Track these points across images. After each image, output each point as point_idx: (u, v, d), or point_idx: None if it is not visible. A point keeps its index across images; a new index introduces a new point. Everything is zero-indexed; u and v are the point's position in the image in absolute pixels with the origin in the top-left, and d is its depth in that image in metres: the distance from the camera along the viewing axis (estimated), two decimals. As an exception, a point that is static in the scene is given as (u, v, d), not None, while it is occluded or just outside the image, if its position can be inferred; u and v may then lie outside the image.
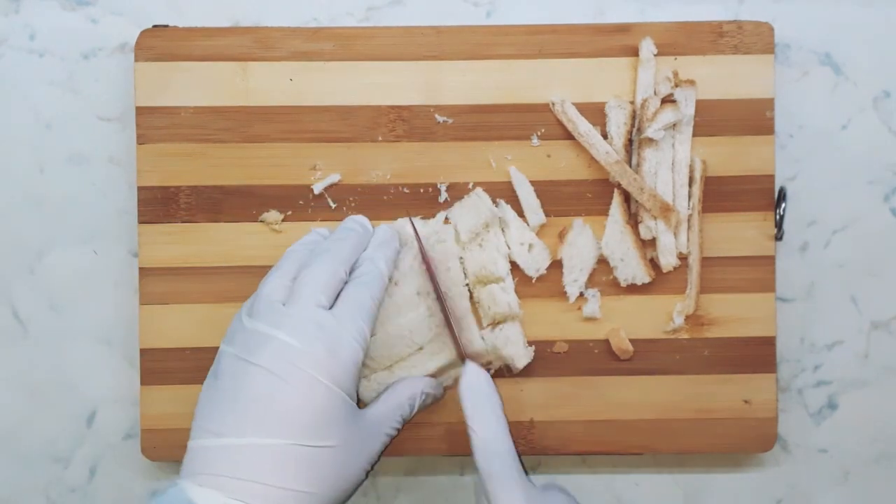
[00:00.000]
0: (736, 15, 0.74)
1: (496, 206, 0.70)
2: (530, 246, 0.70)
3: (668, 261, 0.70)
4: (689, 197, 0.70)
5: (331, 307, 0.61)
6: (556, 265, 0.70)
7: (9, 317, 0.74)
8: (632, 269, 0.70)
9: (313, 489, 0.57)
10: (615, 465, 0.74)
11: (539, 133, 0.71)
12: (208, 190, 0.70)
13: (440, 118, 0.70)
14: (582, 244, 0.70)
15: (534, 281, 0.70)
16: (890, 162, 0.74)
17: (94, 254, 0.74)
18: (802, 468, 0.75)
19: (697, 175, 0.70)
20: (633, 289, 0.70)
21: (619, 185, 0.70)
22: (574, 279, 0.70)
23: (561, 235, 0.70)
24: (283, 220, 0.70)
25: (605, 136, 0.70)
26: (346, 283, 0.63)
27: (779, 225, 0.71)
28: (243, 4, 0.73)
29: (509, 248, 0.70)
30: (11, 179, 0.73)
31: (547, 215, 0.70)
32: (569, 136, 0.70)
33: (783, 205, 0.71)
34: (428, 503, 0.75)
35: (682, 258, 0.70)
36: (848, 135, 0.74)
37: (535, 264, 0.70)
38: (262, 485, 0.56)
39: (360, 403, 0.65)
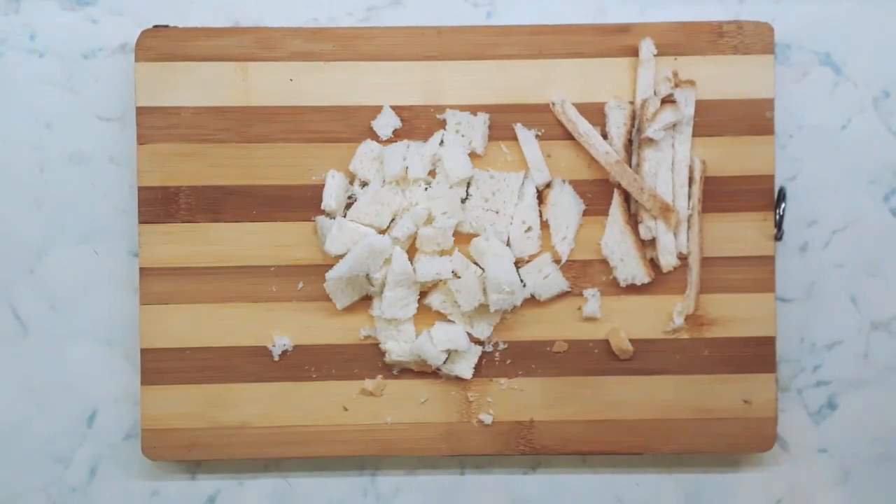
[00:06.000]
0: (736, 15, 0.74)
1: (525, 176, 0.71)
2: (529, 228, 0.70)
3: (667, 261, 0.70)
4: (689, 197, 0.70)
5: None
6: (558, 265, 0.71)
7: (9, 317, 0.74)
8: (631, 269, 0.70)
9: None
10: (615, 465, 0.74)
11: (539, 133, 0.71)
12: (208, 190, 0.70)
13: (440, 118, 0.70)
14: (565, 202, 0.70)
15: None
16: (890, 162, 0.74)
17: (95, 254, 0.74)
18: (802, 468, 0.75)
19: (697, 175, 0.70)
20: (632, 289, 0.70)
21: (619, 185, 0.70)
22: (562, 237, 0.70)
23: (542, 198, 0.70)
24: (282, 221, 0.70)
25: (605, 136, 0.70)
26: None
27: (778, 225, 0.71)
28: (243, 5, 0.73)
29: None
30: (11, 179, 0.73)
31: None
32: (569, 136, 0.70)
33: (783, 205, 0.71)
34: (428, 503, 0.75)
35: (682, 258, 0.70)
36: (848, 135, 0.74)
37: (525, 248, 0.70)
38: None
39: None
